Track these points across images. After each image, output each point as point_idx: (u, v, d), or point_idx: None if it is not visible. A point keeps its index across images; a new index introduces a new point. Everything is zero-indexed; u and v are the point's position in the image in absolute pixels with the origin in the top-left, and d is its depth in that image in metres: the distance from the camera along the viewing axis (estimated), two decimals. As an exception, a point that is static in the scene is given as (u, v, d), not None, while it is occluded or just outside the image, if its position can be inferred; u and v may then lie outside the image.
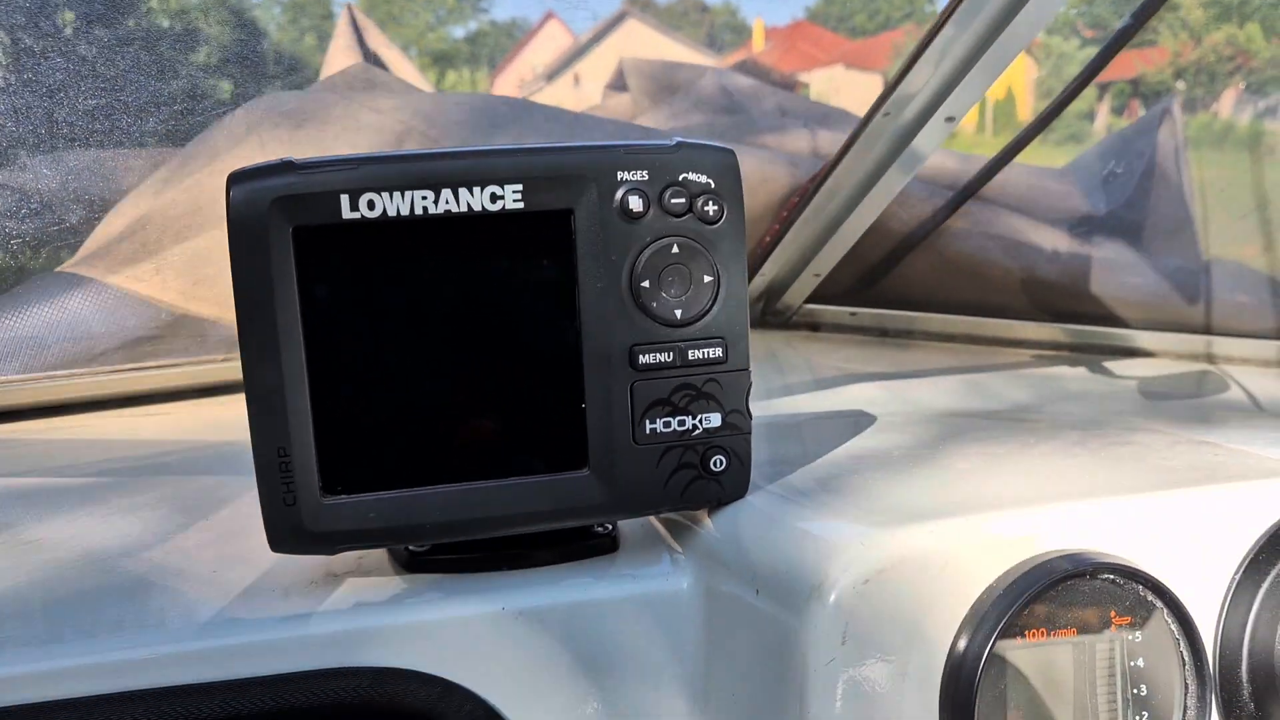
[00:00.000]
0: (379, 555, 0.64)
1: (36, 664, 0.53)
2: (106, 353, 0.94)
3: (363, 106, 1.03)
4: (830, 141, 1.28)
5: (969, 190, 1.19)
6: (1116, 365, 1.28)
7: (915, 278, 1.31)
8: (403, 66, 1.26)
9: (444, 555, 0.63)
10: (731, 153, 0.60)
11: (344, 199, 0.55)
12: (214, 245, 0.97)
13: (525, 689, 0.60)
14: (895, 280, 1.32)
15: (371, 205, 0.55)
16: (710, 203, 0.59)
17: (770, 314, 1.35)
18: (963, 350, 1.33)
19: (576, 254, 0.58)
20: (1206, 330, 1.30)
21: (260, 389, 0.55)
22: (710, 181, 0.59)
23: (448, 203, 0.56)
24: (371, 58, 1.26)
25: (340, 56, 1.25)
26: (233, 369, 1.00)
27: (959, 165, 1.22)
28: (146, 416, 0.96)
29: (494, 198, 0.56)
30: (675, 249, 0.59)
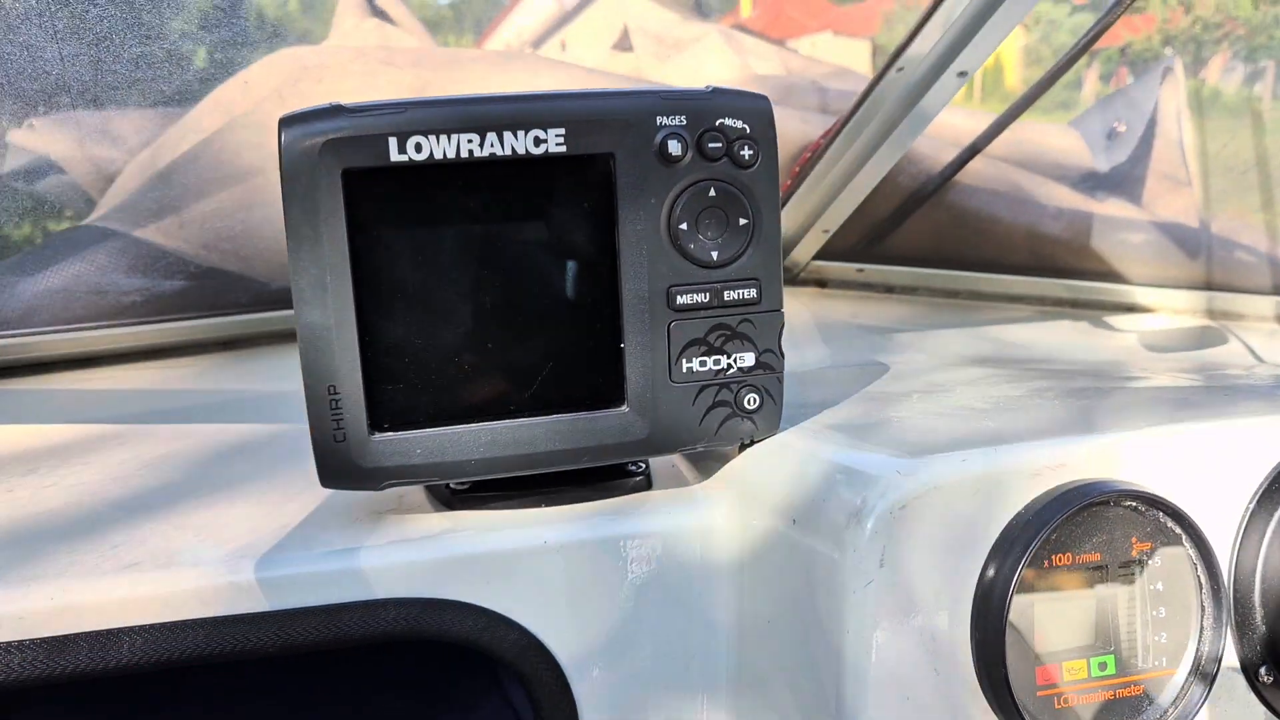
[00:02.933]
0: (420, 494, 0.66)
1: (104, 593, 0.55)
2: (133, 305, 0.95)
3: (378, 61, 1.04)
4: (839, 100, 1.29)
5: (975, 148, 1.21)
6: (1118, 320, 1.31)
7: (921, 234, 1.33)
8: (410, 23, 1.26)
9: (483, 493, 0.64)
10: (766, 99, 0.61)
11: (392, 141, 0.56)
12: (235, 200, 0.98)
13: (565, 619, 0.62)
14: (901, 237, 1.33)
15: (419, 148, 0.56)
16: (746, 147, 0.61)
17: (778, 270, 1.37)
18: (968, 306, 1.35)
19: (617, 197, 0.59)
20: (1207, 286, 1.33)
21: (311, 328, 0.57)
22: (746, 127, 0.61)
23: (493, 146, 0.57)
24: (380, 13, 1.26)
25: (350, 12, 1.25)
26: (255, 322, 1.02)
27: (967, 122, 1.24)
28: (173, 369, 0.98)
29: (538, 141, 0.58)
30: (712, 192, 0.61)
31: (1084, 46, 1.06)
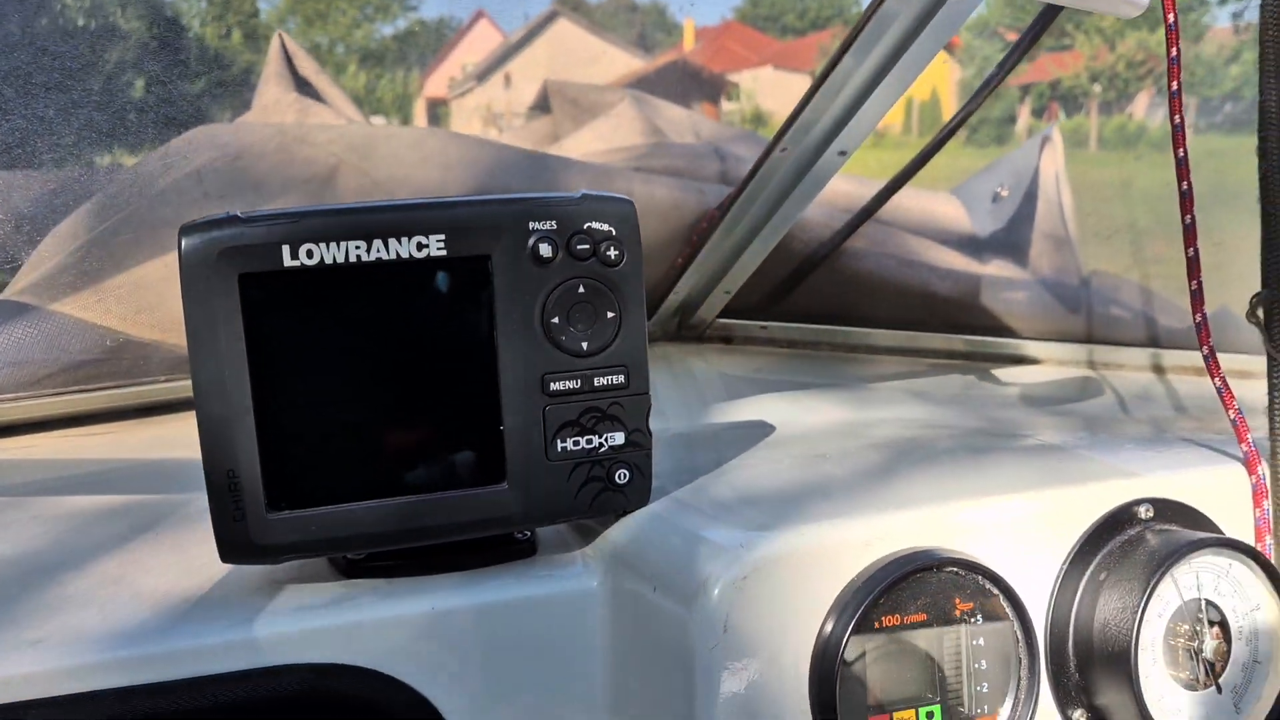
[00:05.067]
0: (319, 564, 0.71)
1: (10, 669, 0.60)
2: (50, 375, 0.99)
3: (296, 139, 1.09)
4: (738, 166, 1.37)
5: (866, 213, 1.29)
6: (1005, 373, 1.39)
7: (820, 293, 1.41)
8: (334, 95, 1.32)
9: (379, 562, 0.70)
10: (630, 203, 0.68)
11: (285, 249, 0.62)
12: (154, 273, 1.02)
13: (454, 680, 0.68)
14: (801, 295, 1.41)
15: (310, 254, 0.62)
16: (612, 248, 0.67)
17: (685, 328, 1.44)
18: (865, 360, 1.43)
19: (494, 294, 0.66)
20: (1087, 339, 1.42)
21: (210, 418, 0.62)
22: (611, 229, 0.67)
23: (379, 251, 0.63)
24: (304, 86, 1.32)
25: (272, 85, 1.30)
26: (173, 389, 1.06)
27: (856, 189, 1.32)
28: (90, 436, 1.01)
29: (420, 246, 0.64)
30: (581, 289, 0.67)
31: (959, 121, 1.15)
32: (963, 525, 0.66)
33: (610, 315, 0.68)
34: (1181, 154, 0.78)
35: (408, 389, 0.66)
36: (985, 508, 0.67)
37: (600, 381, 0.68)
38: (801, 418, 1.06)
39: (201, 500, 0.80)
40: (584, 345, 0.68)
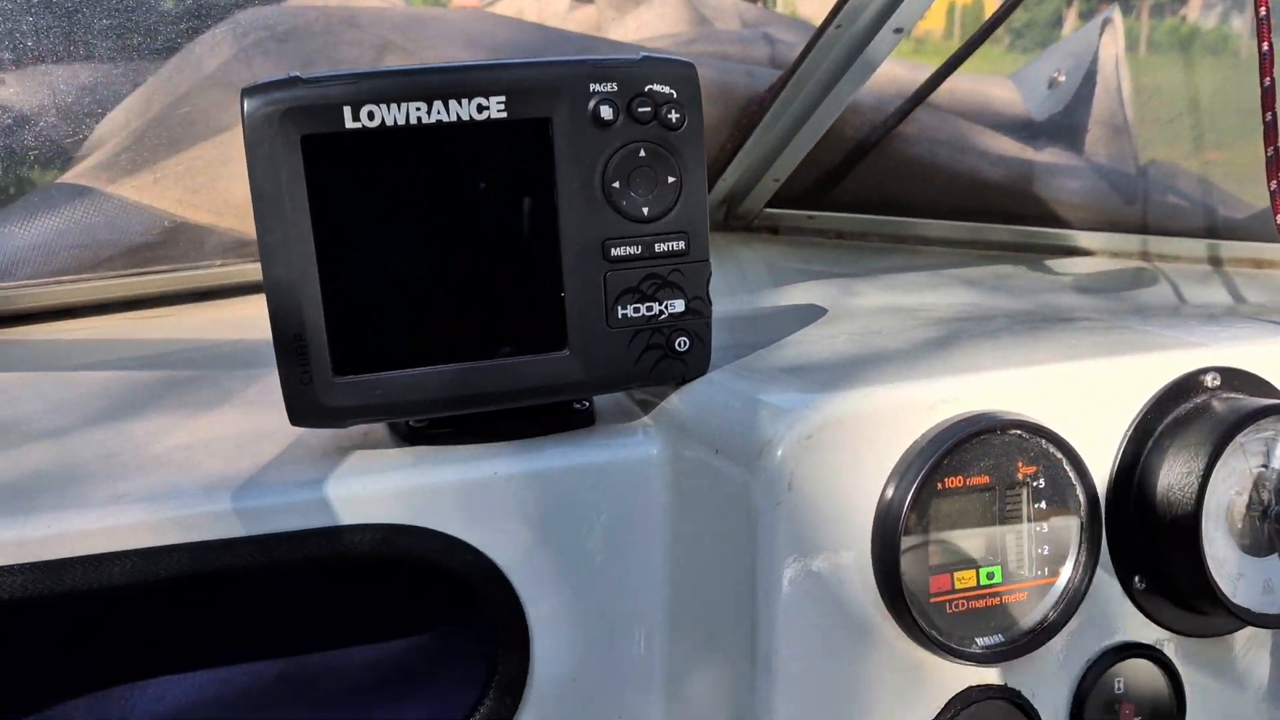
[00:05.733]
0: (381, 431, 0.72)
1: (94, 523, 0.61)
2: (111, 258, 1.00)
3: (342, 21, 1.08)
4: (787, 52, 1.34)
5: (917, 98, 1.26)
6: (1057, 263, 1.37)
7: (869, 182, 1.39)
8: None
9: (439, 429, 0.71)
10: (691, 65, 0.67)
11: (346, 110, 0.61)
12: (206, 156, 1.03)
13: (516, 544, 0.69)
14: (850, 185, 1.39)
15: (371, 115, 0.62)
16: (673, 111, 0.66)
17: (732, 218, 1.43)
18: (914, 251, 1.41)
19: (554, 158, 0.65)
20: (1143, 229, 1.39)
21: (277, 282, 0.63)
22: (673, 92, 0.66)
23: (439, 113, 0.63)
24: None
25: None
26: (228, 274, 1.07)
27: (909, 74, 1.29)
28: (149, 319, 1.03)
29: (480, 108, 0.63)
30: (642, 153, 0.66)
31: (1005, 13, 1.11)
32: (1027, 390, 0.66)
33: (671, 180, 0.67)
34: (1266, 48, 0.75)
35: (469, 254, 0.66)
36: (1050, 374, 0.67)
37: (661, 248, 0.68)
38: (852, 302, 1.05)
39: (265, 377, 0.82)
40: (645, 210, 0.67)
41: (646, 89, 0.66)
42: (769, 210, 1.42)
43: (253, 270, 1.07)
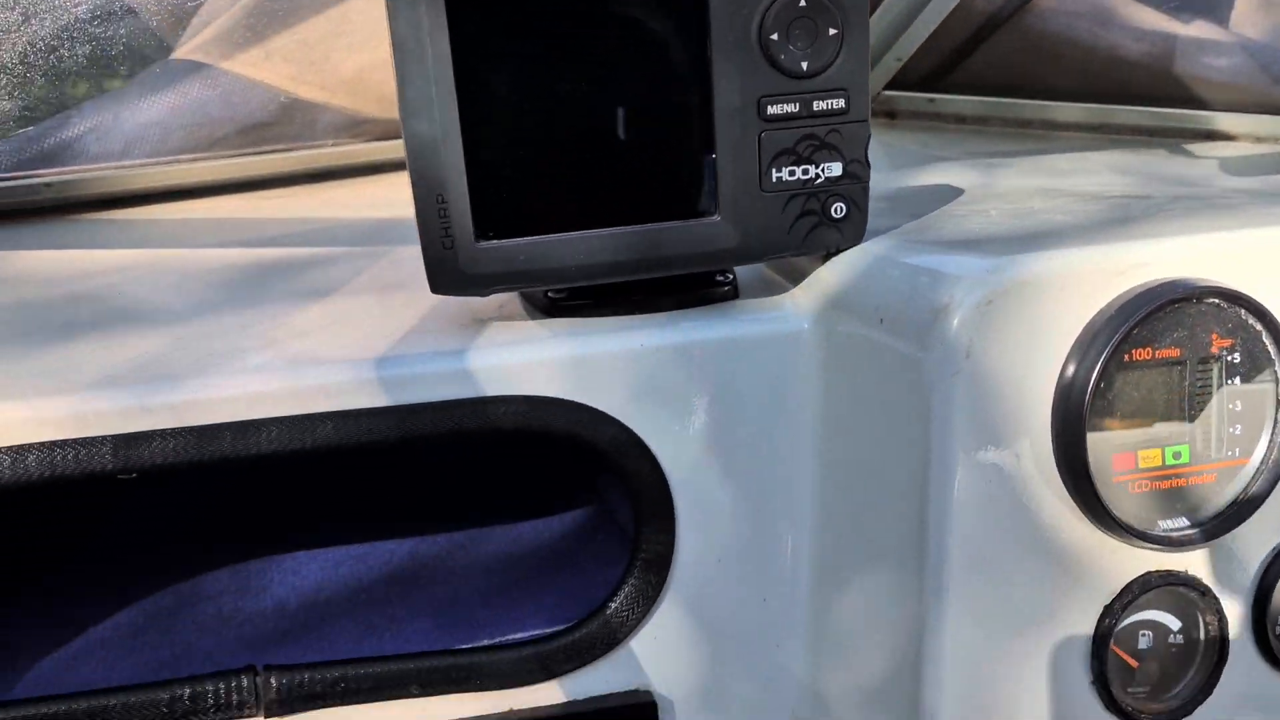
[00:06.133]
0: (517, 305, 0.69)
1: (241, 389, 0.60)
2: (225, 137, 0.98)
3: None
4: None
5: (1058, -34, 1.17)
6: (1200, 148, 1.29)
7: (995, 62, 1.31)
8: None
9: (578, 301, 0.68)
10: (855, -97, 0.61)
11: (493, -44, 0.57)
12: (318, 30, 0.99)
13: (661, 418, 0.66)
14: (975, 65, 1.31)
15: (518, -39, 0.58)
16: (836, -45, 0.61)
17: (848, 102, 1.36)
18: (1042, 135, 1.34)
19: (709, 7, 0.60)
20: (1294, 110, 1.29)
21: (419, 139, 0.59)
22: (836, -66, 0.61)
23: (589, -41, 0.58)
24: None
25: None
26: (343, 154, 1.05)
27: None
28: (266, 199, 1.01)
29: (632, -47, 0.59)
30: (802, 2, 0.61)
31: None
32: (1225, 257, 0.60)
33: (832, 32, 0.62)
34: None
35: (618, 113, 0.62)
36: (1249, 240, 0.61)
37: (819, 106, 0.63)
38: (993, 183, 1.00)
39: (391, 254, 0.80)
40: (803, 65, 0.62)
41: (808, -70, 0.60)
42: (886, 93, 1.35)
43: (366, 151, 1.05)
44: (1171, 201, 0.80)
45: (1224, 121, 1.31)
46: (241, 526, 0.82)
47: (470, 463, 0.86)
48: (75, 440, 0.58)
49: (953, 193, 0.89)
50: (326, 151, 1.03)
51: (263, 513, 0.83)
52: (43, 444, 0.58)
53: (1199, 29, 1.32)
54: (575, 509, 0.84)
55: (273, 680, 0.64)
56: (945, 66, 1.33)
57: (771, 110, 0.63)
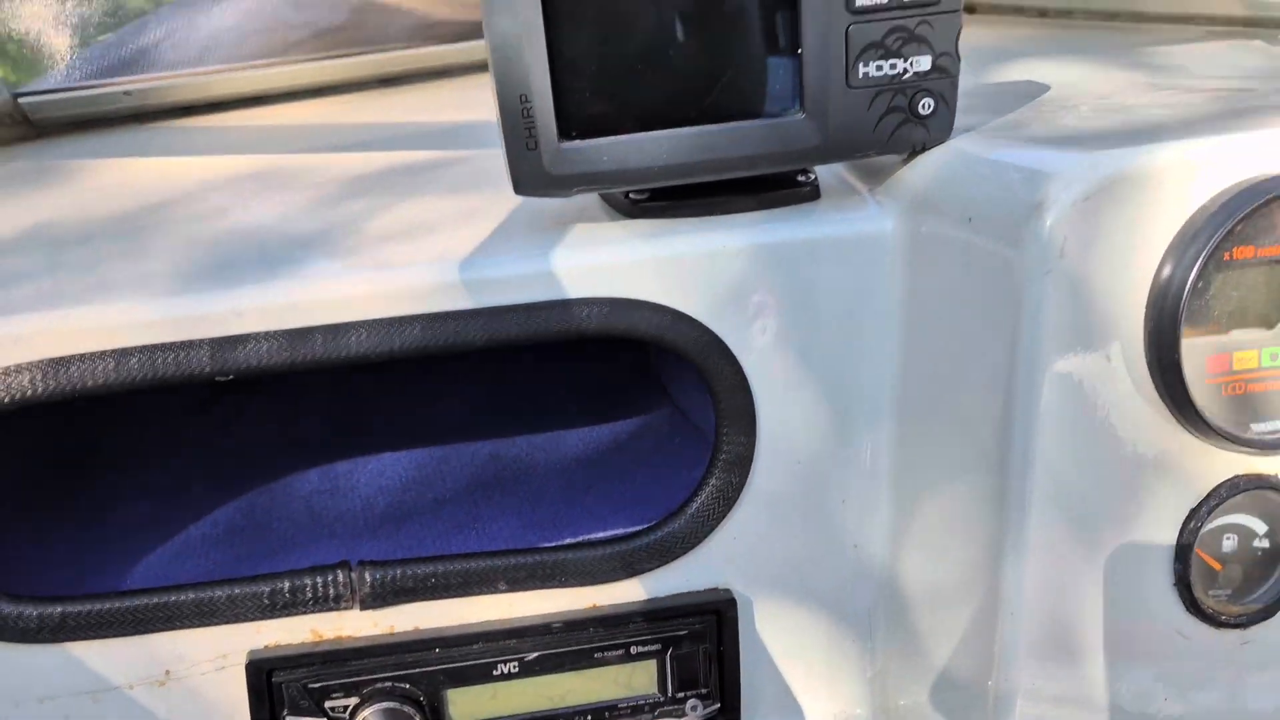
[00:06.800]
0: (598, 206, 0.69)
1: (332, 290, 0.61)
2: (299, 42, 0.98)
3: None
4: None
5: None
6: (1295, 38, 1.23)
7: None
8: None
9: (659, 202, 0.67)
10: None
11: None
12: (389, -70, 0.98)
13: (741, 320, 0.66)
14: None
15: None
16: None
17: (925, -5, 1.31)
18: (1130, 29, 1.28)
19: (796, -105, 0.58)
20: None
21: (502, 37, 0.59)
22: None
23: None
24: None
25: None
26: (413, 58, 1.04)
27: None
28: (339, 104, 1.01)
29: None
30: (893, -114, 0.59)
31: None
32: (1333, 149, 0.58)
33: (924, -83, 0.60)
34: None
35: (699, 7, 0.60)
36: (1361, 131, 0.59)
37: (910, -5, 0.61)
38: (1081, 79, 0.96)
39: (469, 160, 0.79)
40: (894, -47, 0.60)
41: None
42: (966, -14, 1.30)
43: (438, 55, 1.05)
44: (1276, 93, 0.76)
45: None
46: (329, 428, 0.84)
47: (545, 362, 0.87)
48: (174, 344, 0.60)
49: (1039, 89, 0.86)
50: (400, 55, 1.03)
51: (349, 414, 0.85)
52: (144, 347, 0.59)
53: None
54: (652, 411, 0.85)
55: (366, 575, 0.67)
56: (1028, -43, 1.28)
57: (860, 1, 0.61)
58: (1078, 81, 0.91)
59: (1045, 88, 0.87)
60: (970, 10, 1.33)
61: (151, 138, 0.95)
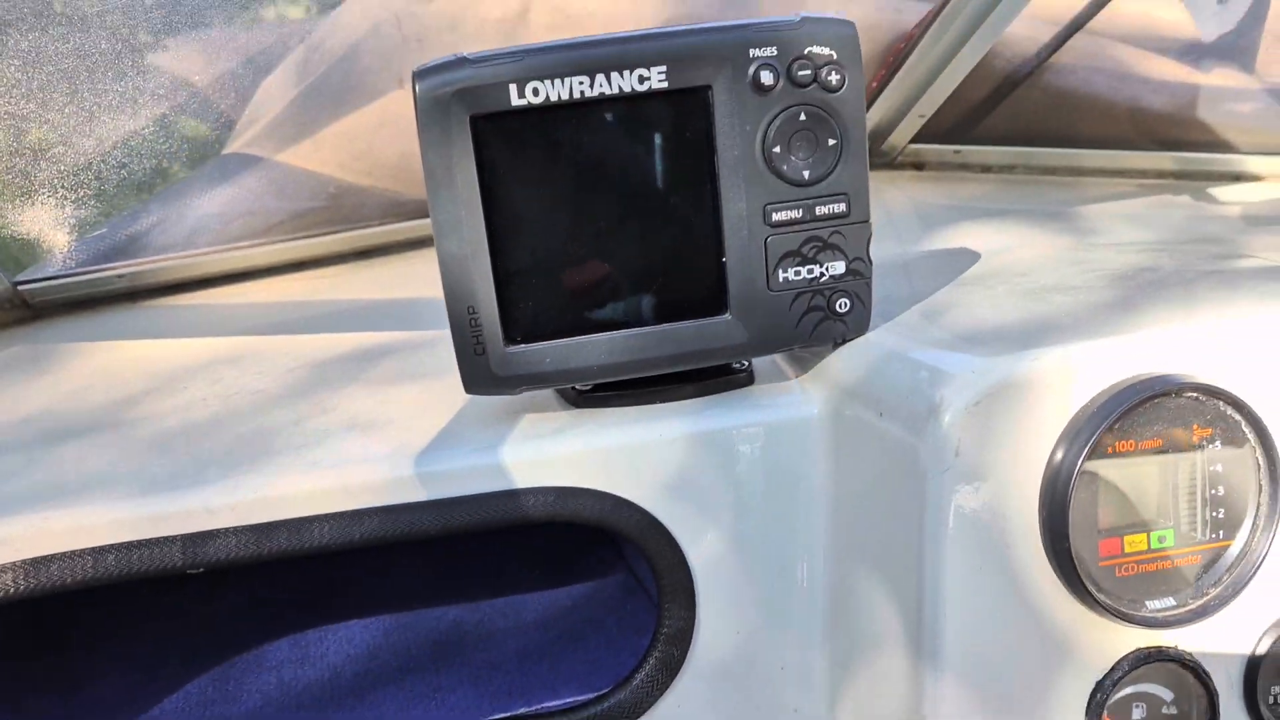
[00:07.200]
0: (550, 397, 0.75)
1: (296, 487, 0.66)
2: (281, 223, 1.05)
3: (486, -22, 1.09)
4: (935, -19, 1.29)
5: (1076, 24, 1.20)
6: (1224, 191, 1.31)
7: (1018, 114, 1.34)
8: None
9: (605, 393, 0.73)
10: (851, 24, 0.66)
11: (512, 88, 0.63)
12: (364, 121, 1.06)
13: (680, 502, 0.71)
14: (999, 118, 1.34)
15: (536, 92, 0.63)
16: (833, 72, 0.66)
17: (876, 155, 1.40)
18: (1067, 182, 1.36)
19: (715, 125, 0.65)
20: (1317, 151, 1.31)
21: (450, 256, 0.65)
22: (833, 53, 0.65)
23: (601, 85, 0.64)
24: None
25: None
26: (388, 232, 1.11)
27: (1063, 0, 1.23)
28: (318, 279, 1.08)
29: (642, 79, 0.64)
30: (802, 116, 0.66)
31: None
32: (1204, 348, 0.64)
33: (831, 143, 0.67)
34: None
35: (632, 223, 0.67)
36: (1226, 329, 0.65)
37: (822, 210, 0.68)
38: (1010, 245, 1.03)
39: (434, 341, 0.85)
40: (805, 174, 0.67)
41: (806, 51, 0.65)
42: (913, 146, 1.39)
43: (408, 229, 1.12)
44: (1178, 271, 0.83)
45: (1250, 163, 1.33)
46: (299, 595, 0.88)
47: (513, 538, 0.92)
48: (148, 540, 0.64)
49: (968, 259, 0.93)
50: (374, 230, 1.10)
51: (319, 581, 0.89)
52: (120, 545, 0.64)
53: (1222, 76, 1.34)
54: (607, 576, 0.89)
55: None
56: (970, 120, 1.36)
57: (776, 216, 0.68)
58: (1004, 249, 0.98)
59: (974, 258, 0.93)
60: (918, 167, 1.41)
61: (142, 317, 1.01)
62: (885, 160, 1.41)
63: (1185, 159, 1.34)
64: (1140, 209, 1.22)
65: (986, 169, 1.40)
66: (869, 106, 1.29)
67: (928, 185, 1.39)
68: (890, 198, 1.33)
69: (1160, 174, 1.36)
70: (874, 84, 1.25)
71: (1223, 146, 1.34)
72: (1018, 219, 1.17)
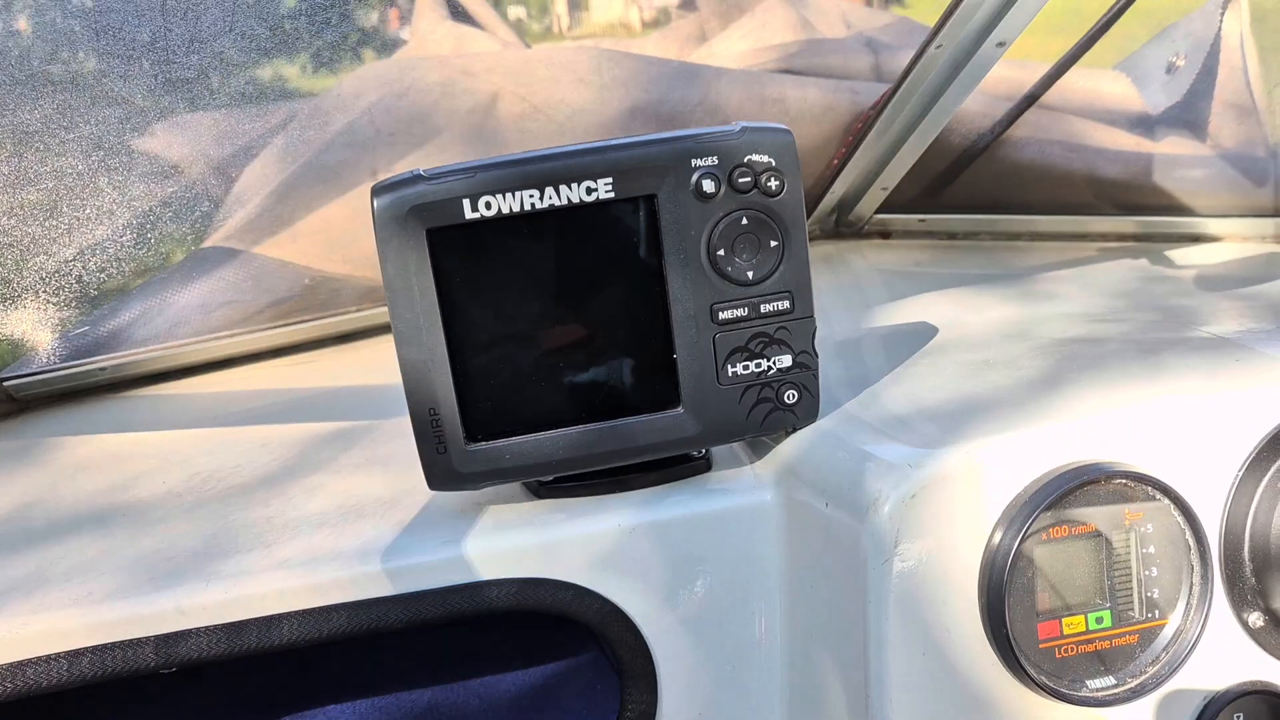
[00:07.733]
0: (514, 488, 0.77)
1: (266, 585, 0.69)
2: (259, 312, 1.08)
3: (458, 71, 1.14)
4: (893, 59, 1.34)
5: (1028, 100, 1.25)
6: (1182, 253, 1.34)
7: (980, 184, 1.38)
8: (487, 18, 1.35)
9: (567, 484, 0.76)
10: (788, 133, 0.70)
11: (466, 202, 0.67)
12: (340, 213, 1.10)
13: (640, 588, 0.74)
14: (960, 188, 1.39)
15: (489, 205, 0.67)
16: (772, 178, 0.69)
17: (843, 225, 1.44)
18: (1029, 248, 1.40)
19: (661, 231, 0.69)
20: (1276, 213, 1.35)
21: (411, 363, 0.68)
22: (771, 160, 0.69)
23: (551, 197, 0.67)
24: (460, 13, 1.35)
25: (427, 14, 1.34)
26: (364, 317, 1.15)
27: (1016, 74, 1.28)
28: (296, 365, 1.11)
29: (589, 190, 0.67)
30: (744, 220, 0.70)
31: (1120, 9, 1.09)
32: (1133, 433, 0.67)
33: (773, 244, 0.70)
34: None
35: (585, 325, 0.70)
36: (1157, 414, 0.68)
37: (767, 308, 0.71)
38: (964, 317, 1.06)
39: (397, 424, 0.88)
40: (749, 275, 0.70)
41: (746, 159, 0.69)
42: (879, 215, 1.43)
43: (384, 313, 1.15)
44: (1122, 348, 0.86)
45: (1209, 225, 1.37)
46: (279, 681, 0.90)
47: (479, 625, 0.94)
48: (122, 643, 0.67)
49: (924, 335, 0.96)
50: (351, 316, 1.13)
51: (298, 667, 0.91)
52: (94, 647, 0.67)
53: (1175, 144, 1.39)
54: (579, 654, 0.92)
55: None
56: (932, 190, 1.41)
57: (723, 315, 0.71)
58: (958, 321, 1.01)
59: (929, 332, 0.96)
60: (885, 236, 1.45)
61: (125, 408, 1.04)
62: (853, 229, 1.45)
63: (1143, 221, 1.38)
64: (1098, 274, 1.25)
65: (951, 236, 1.44)
66: (833, 181, 1.33)
67: (893, 253, 1.43)
68: (856, 266, 1.36)
69: (1121, 236, 1.40)
70: (835, 161, 1.29)
71: (1180, 210, 1.38)
72: (978, 286, 1.20)
